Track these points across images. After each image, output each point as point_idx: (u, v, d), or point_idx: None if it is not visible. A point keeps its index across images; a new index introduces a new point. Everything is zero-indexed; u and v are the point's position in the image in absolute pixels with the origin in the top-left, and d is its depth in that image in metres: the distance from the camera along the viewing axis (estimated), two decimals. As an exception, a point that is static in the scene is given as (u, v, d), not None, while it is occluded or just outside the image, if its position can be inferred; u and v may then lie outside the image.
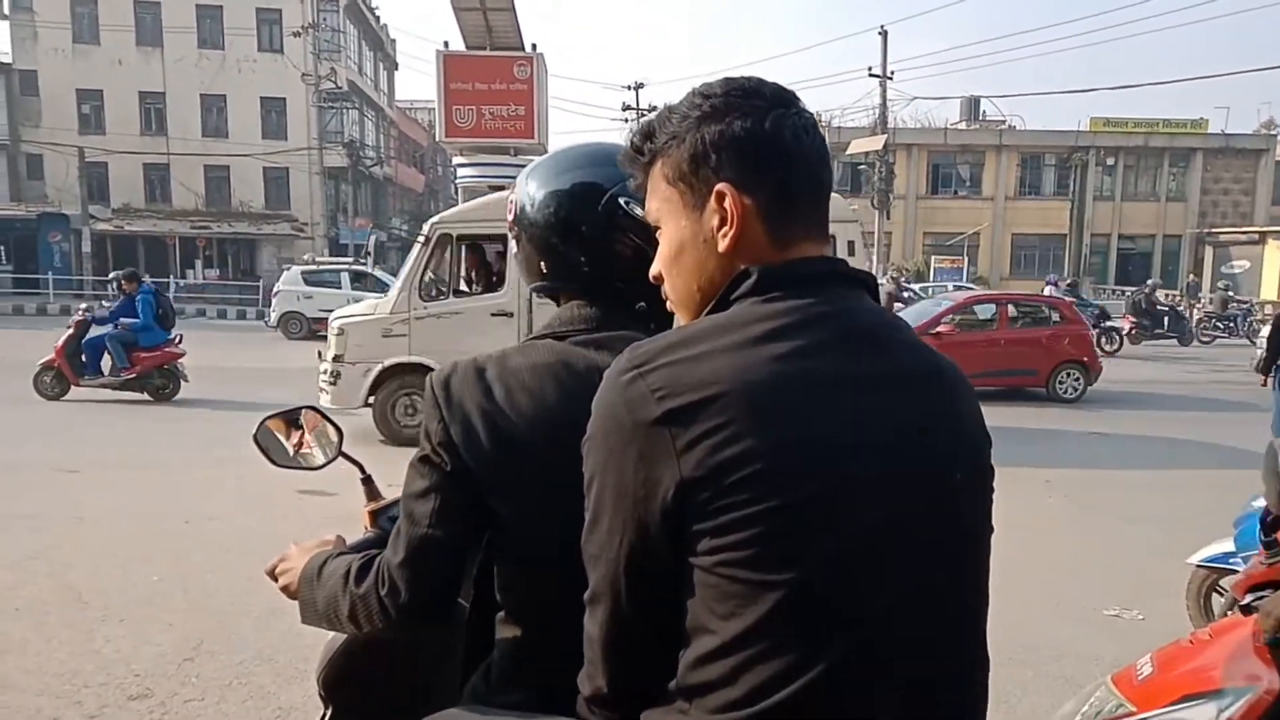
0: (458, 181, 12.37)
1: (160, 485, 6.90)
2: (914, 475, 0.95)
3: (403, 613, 1.19)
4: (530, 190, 1.34)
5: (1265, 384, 9.19)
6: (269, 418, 1.73)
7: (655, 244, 1.11)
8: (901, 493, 0.94)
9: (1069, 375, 12.39)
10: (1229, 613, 3.29)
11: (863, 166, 30.31)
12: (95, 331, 10.66)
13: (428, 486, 1.19)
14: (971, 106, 39.37)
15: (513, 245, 1.41)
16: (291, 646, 3.81)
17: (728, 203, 1.00)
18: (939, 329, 12.19)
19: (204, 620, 4.14)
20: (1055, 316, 13.23)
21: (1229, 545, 3.89)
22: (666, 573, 0.93)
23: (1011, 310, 13.18)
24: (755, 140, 1.00)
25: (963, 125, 39.33)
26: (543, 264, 1.34)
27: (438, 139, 13.05)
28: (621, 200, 1.27)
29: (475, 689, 1.29)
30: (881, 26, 27.62)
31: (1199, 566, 4.06)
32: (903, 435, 0.96)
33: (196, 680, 3.56)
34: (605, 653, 0.98)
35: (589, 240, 1.29)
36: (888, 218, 29.36)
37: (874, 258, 27.52)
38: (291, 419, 1.75)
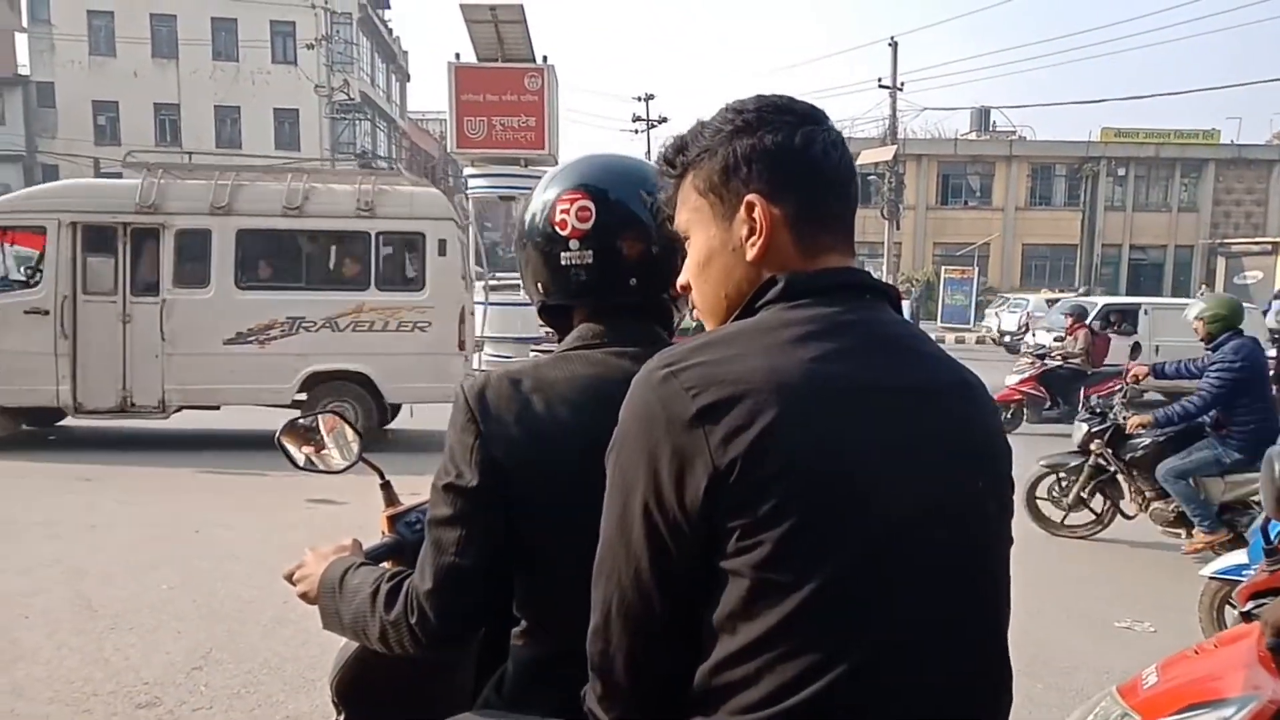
0: (468, 192, 12.39)
1: (171, 493, 6.92)
2: (937, 481, 0.96)
3: (434, 639, 1.20)
4: (537, 200, 1.32)
5: (1276, 392, 9.25)
6: (286, 427, 1.74)
7: (668, 254, 1.13)
8: (925, 498, 0.95)
9: None
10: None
11: (872, 177, 30.26)
12: None
13: (453, 513, 1.18)
14: (982, 117, 39.31)
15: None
16: (299, 655, 3.81)
17: (757, 213, 1.02)
18: None
19: (213, 629, 4.15)
20: None
21: (1242, 557, 3.85)
22: (694, 577, 0.92)
23: None
24: (785, 154, 1.02)
25: (973, 136, 39.21)
26: (547, 278, 1.31)
27: (449, 150, 13.06)
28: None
29: (488, 700, 1.29)
30: (892, 38, 27.68)
31: (1212, 578, 4.03)
32: (927, 442, 0.97)
33: (205, 689, 3.56)
34: (627, 665, 0.97)
35: (598, 251, 1.27)
36: (897, 228, 29.31)
37: (884, 268, 27.49)
38: (308, 425, 1.76)
